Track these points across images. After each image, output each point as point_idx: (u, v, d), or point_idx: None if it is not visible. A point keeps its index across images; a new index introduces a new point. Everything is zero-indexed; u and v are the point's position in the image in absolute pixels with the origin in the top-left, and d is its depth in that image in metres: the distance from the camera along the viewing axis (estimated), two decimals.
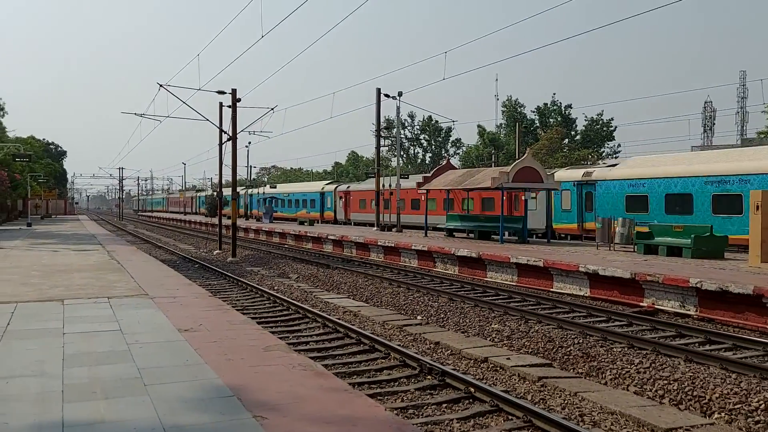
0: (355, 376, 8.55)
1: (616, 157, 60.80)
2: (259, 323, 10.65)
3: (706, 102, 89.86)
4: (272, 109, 30.57)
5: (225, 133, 29.97)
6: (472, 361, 9.64)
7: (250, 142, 62.61)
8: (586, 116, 64.56)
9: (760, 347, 10.03)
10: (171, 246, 35.73)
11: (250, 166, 72.50)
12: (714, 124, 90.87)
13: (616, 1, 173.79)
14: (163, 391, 5.68)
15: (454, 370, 8.71)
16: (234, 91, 28.29)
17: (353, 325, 11.91)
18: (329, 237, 30.96)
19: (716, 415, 7.14)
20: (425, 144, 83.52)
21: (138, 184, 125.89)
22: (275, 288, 17.58)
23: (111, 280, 13.78)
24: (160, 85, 27.61)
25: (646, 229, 20.04)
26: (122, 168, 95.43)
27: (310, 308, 13.42)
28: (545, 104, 66.66)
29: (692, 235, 18.31)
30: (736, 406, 7.18)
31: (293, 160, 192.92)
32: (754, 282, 12.14)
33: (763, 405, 7.09)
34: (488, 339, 11.11)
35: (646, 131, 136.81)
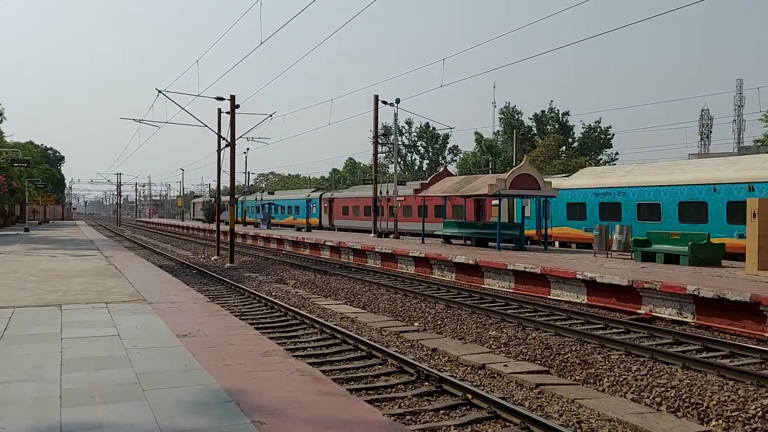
0: (352, 382, 8.55)
1: (613, 164, 61.01)
2: (257, 329, 10.64)
3: (703, 110, 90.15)
4: (270, 115, 30.66)
5: (223, 139, 30.01)
6: (469, 368, 9.64)
7: (248, 149, 62.64)
8: (583, 123, 64.88)
9: (758, 355, 10.06)
10: (169, 252, 35.70)
11: (249, 172, 72.43)
12: (711, 132, 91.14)
13: (614, 9, 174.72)
14: (162, 396, 5.68)
15: (452, 376, 8.71)
16: (233, 98, 28.35)
17: (351, 331, 11.92)
18: (326, 243, 30.97)
19: (714, 423, 7.16)
20: (423, 151, 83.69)
21: (136, 189, 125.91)
22: (273, 294, 17.57)
23: (109, 286, 13.77)
24: (159, 91, 27.67)
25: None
26: (120, 173, 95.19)
27: (308, 314, 13.42)
28: (543, 111, 66.92)
29: (689, 243, 18.36)
30: (733, 414, 7.19)
31: (291, 166, 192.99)
32: (751, 290, 12.18)
33: (760, 412, 7.10)
34: (485, 346, 11.11)
35: (644, 139, 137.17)
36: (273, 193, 66.31)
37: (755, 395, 7.68)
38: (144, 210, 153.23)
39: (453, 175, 34.85)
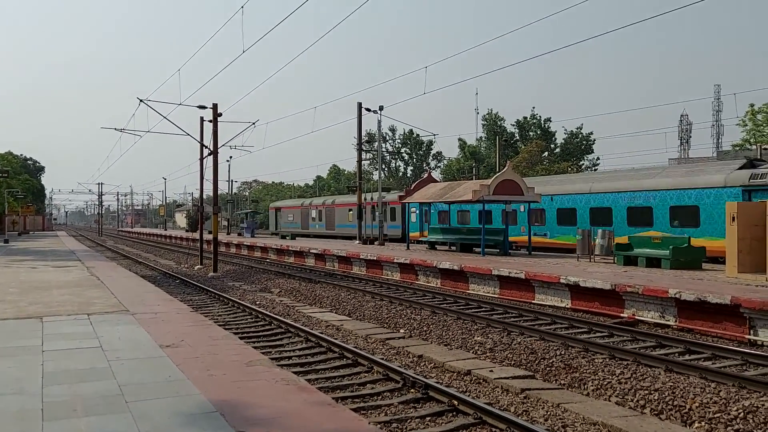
0: (338, 391, 8.52)
1: (595, 170, 61.62)
2: (241, 338, 10.58)
3: (682, 115, 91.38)
4: (254, 123, 30.58)
5: (206, 147, 29.87)
6: (455, 374, 9.66)
7: (231, 157, 62.55)
8: (565, 129, 65.45)
9: (739, 356, 10.18)
10: (151, 261, 35.38)
11: (232, 181, 72.12)
12: (690, 136, 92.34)
13: (595, 16, 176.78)
14: (145, 408, 5.62)
15: (438, 383, 8.72)
16: (215, 106, 28.24)
17: (336, 339, 11.88)
18: (311, 251, 30.88)
19: (697, 425, 7.23)
20: (407, 157, 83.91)
21: (117, 199, 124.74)
22: (257, 303, 17.48)
23: (91, 297, 13.62)
24: (141, 100, 27.48)
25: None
26: (101, 183, 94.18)
27: (293, 322, 13.37)
28: (525, 118, 67.47)
29: (671, 247, 18.57)
30: (716, 415, 7.28)
31: (275, 174, 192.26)
32: (731, 292, 12.34)
33: (742, 413, 7.19)
34: (471, 351, 11.14)
35: (625, 144, 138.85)
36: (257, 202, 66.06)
37: (737, 396, 7.78)
38: (126, 220, 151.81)
39: (437, 182, 34.96)
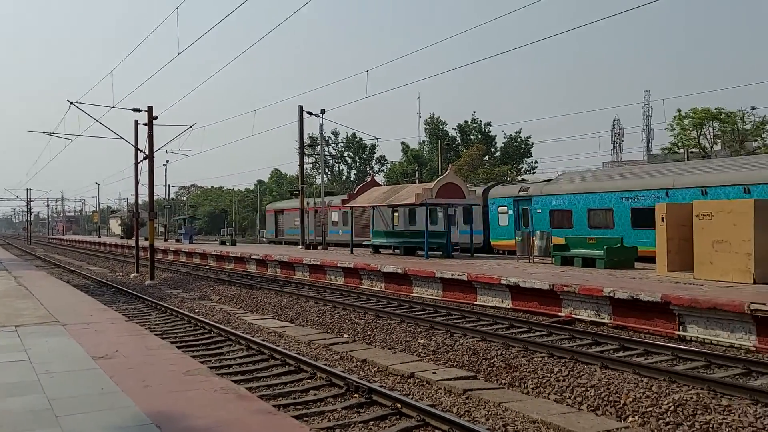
0: (280, 398, 8.40)
1: (533, 173, 63.20)
2: (179, 347, 10.30)
3: (614, 120, 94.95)
4: (191, 126, 29.86)
5: (141, 151, 28.99)
6: (399, 377, 9.68)
7: (168, 161, 60.82)
8: (505, 134, 66.82)
9: (669, 352, 10.60)
10: (85, 270, 34.08)
11: (168, 186, 70.25)
12: (622, 140, 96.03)
13: (530, 23, 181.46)
14: (76, 423, 5.38)
15: (381, 387, 8.71)
16: (150, 109, 27.47)
17: (278, 345, 11.72)
18: (252, 257, 30.43)
19: (630, 419, 7.47)
20: (350, 161, 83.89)
21: (48, 205, 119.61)
22: (196, 311, 17.07)
23: (18, 308, 12.98)
24: (71, 103, 26.46)
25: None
26: (30, 189, 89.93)
27: (233, 330, 13.11)
28: (466, 122, 68.56)
29: (605, 247, 19.21)
30: (648, 409, 7.54)
31: (215, 178, 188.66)
32: (662, 290, 12.85)
33: (672, 407, 7.48)
34: (415, 354, 11.19)
35: (562, 147, 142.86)
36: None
37: (667, 391, 8.08)
38: (57, 227, 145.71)
39: (380, 185, 35.06)
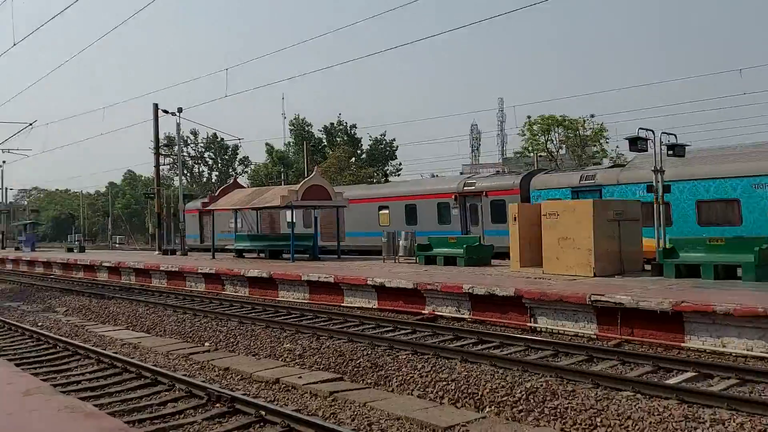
0: (135, 413, 7.86)
1: (398, 175, 64.82)
2: (18, 365, 9.35)
3: (472, 125, 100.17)
4: (31, 124, 27.34)
5: None
6: (263, 384, 9.45)
7: (4, 161, 55.22)
8: (370, 136, 67.85)
9: (522, 343, 11.27)
10: None
11: (6, 189, 63.78)
12: (480, 144, 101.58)
13: (396, 26, 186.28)
14: None
15: (245, 394, 8.45)
16: None
17: (132, 358, 11.00)
18: (103, 264, 28.42)
19: (488, 409, 7.84)
20: (211, 162, 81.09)
21: None
22: (39, 324, 15.58)
23: None
24: None
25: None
26: None
27: (82, 344, 12.13)
28: (332, 123, 68.73)
29: (464, 246, 20.08)
30: (503, 398, 7.95)
31: (61, 180, 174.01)
32: (515, 285, 13.65)
33: (525, 395, 7.94)
34: (280, 359, 11.00)
35: (425, 151, 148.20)
36: None
37: (521, 380, 8.58)
38: None
39: (244, 187, 34.17)
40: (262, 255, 27.84)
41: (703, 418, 6.79)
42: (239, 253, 28.57)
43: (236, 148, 78.43)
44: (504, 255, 20.33)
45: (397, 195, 29.35)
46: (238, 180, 39.00)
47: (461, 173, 58.64)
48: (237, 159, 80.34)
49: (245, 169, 79.27)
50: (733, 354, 10.03)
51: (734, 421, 6.64)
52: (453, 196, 26.31)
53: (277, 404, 8.07)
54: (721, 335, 10.35)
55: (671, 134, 16.85)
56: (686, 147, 16.92)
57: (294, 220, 26.86)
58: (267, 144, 70.32)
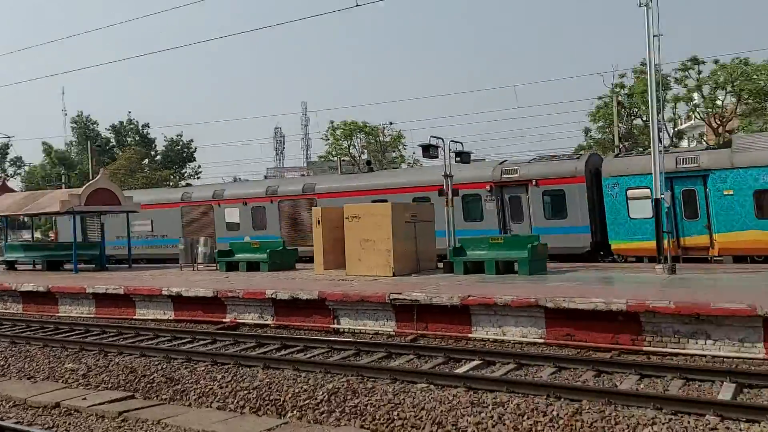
0: None
1: (198, 178, 62.24)
2: None
3: (276, 128, 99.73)
4: None
5: None
6: (41, 409, 8.44)
7: None
8: (165, 137, 64.18)
9: (325, 345, 11.40)
10: None
11: None
12: (284, 148, 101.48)
13: (190, 23, 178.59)
14: None
15: (17, 423, 7.48)
16: None
17: None
18: None
19: (290, 414, 7.78)
20: None
21: None
22: None
23: None
24: None
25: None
26: None
27: None
28: (121, 122, 63.85)
29: (267, 250, 19.83)
30: (305, 402, 7.95)
31: None
32: (319, 288, 13.78)
33: (326, 396, 8.02)
34: (61, 381, 9.93)
35: (226, 153, 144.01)
36: None
37: (323, 381, 8.66)
38: None
39: (16, 191, 30.29)
40: (39, 267, 24.93)
41: (487, 402, 7.41)
42: (11, 265, 25.26)
43: (6, 146, 69.30)
44: (561, 258, 18.84)
45: (400, 186, 23.12)
46: (7, 183, 34.37)
47: (265, 177, 58.09)
48: (7, 159, 71.01)
49: (18, 171, 70.38)
50: (512, 341, 11.15)
51: (512, 403, 7.34)
52: (488, 186, 21.17)
53: (55, 431, 7.23)
54: (501, 325, 11.45)
55: (458, 142, 18.37)
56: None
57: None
58: (44, 143, 63.18)
